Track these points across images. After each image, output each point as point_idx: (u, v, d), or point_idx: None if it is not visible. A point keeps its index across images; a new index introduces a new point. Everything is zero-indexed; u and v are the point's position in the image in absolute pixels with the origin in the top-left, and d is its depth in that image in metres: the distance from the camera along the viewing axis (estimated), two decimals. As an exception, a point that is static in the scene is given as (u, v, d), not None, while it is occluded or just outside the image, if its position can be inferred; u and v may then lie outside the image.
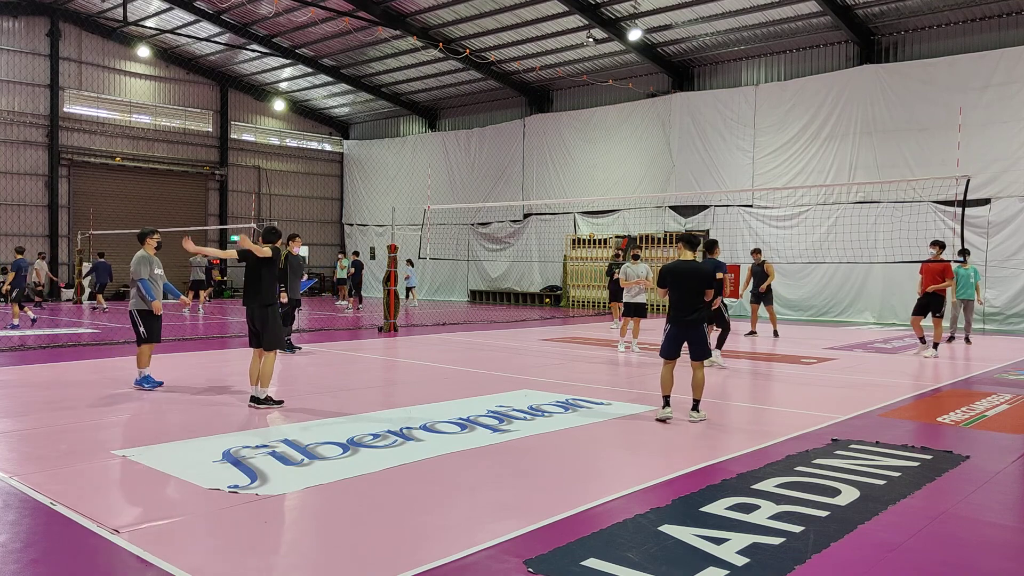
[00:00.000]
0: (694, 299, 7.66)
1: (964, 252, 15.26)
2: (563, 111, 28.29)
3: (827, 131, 21.87)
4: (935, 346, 13.48)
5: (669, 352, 7.77)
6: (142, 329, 9.43)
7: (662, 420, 7.63)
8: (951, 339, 16.30)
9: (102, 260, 23.10)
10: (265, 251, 8.09)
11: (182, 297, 9.91)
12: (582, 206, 27.59)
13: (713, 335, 12.11)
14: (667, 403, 7.73)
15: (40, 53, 27.28)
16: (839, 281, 21.56)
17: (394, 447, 6.50)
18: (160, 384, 9.41)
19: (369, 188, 34.95)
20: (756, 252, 17.23)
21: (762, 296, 16.91)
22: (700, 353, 7.71)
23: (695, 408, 7.74)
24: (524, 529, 4.54)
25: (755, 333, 17.02)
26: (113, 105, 29.36)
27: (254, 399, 8.25)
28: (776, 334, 16.75)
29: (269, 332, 8.22)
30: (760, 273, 16.86)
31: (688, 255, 7.86)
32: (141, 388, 9.24)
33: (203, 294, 22.66)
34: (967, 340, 15.98)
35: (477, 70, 27.72)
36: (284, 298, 11.71)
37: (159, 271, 9.67)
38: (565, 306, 27.13)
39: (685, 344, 7.78)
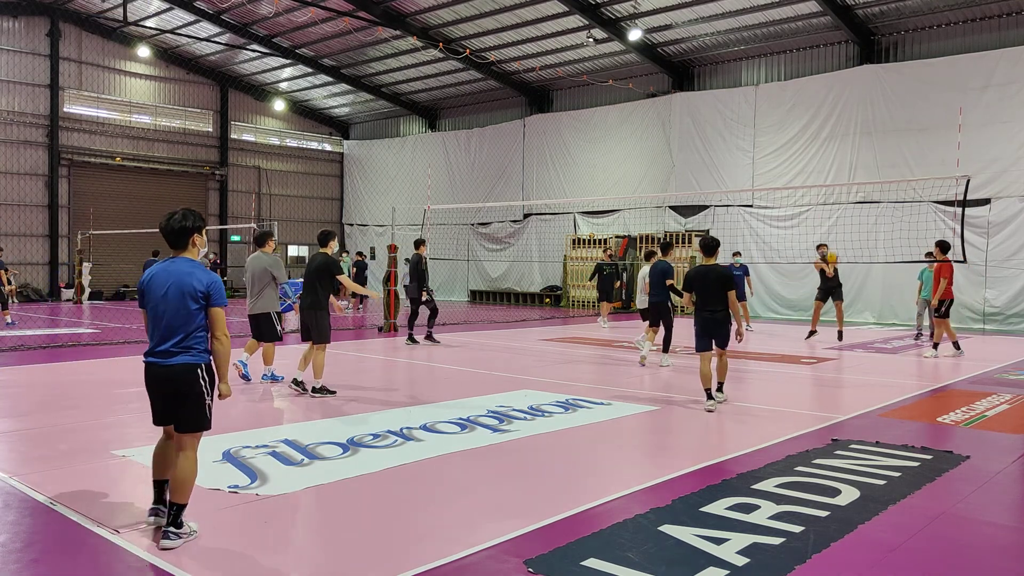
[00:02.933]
0: (716, 299, 8.42)
1: (930, 255, 15.54)
2: (563, 111, 28.29)
3: (827, 131, 21.87)
4: (935, 346, 13.49)
5: (701, 346, 8.58)
6: (280, 327, 10.02)
7: (709, 411, 8.31)
8: (918, 336, 16.59)
9: (155, 259, 21.91)
10: (349, 283, 9.32)
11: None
12: (582, 206, 27.59)
13: (657, 336, 12.43)
14: (709, 396, 8.48)
15: (40, 53, 27.28)
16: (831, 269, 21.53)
17: (394, 447, 6.50)
18: (282, 379, 10.04)
19: (369, 188, 34.95)
20: (822, 247, 16.45)
21: (833, 292, 16.03)
22: (723, 342, 8.55)
23: (719, 389, 8.60)
24: (524, 529, 4.54)
25: (815, 333, 16.25)
26: (113, 105, 29.36)
27: (297, 382, 9.04)
28: (840, 336, 16.00)
29: (316, 328, 8.95)
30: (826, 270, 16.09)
31: (710, 260, 8.62)
32: (274, 381, 9.93)
33: None
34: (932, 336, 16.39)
35: (477, 70, 27.72)
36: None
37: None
38: (565, 306, 27.12)
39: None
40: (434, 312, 14.95)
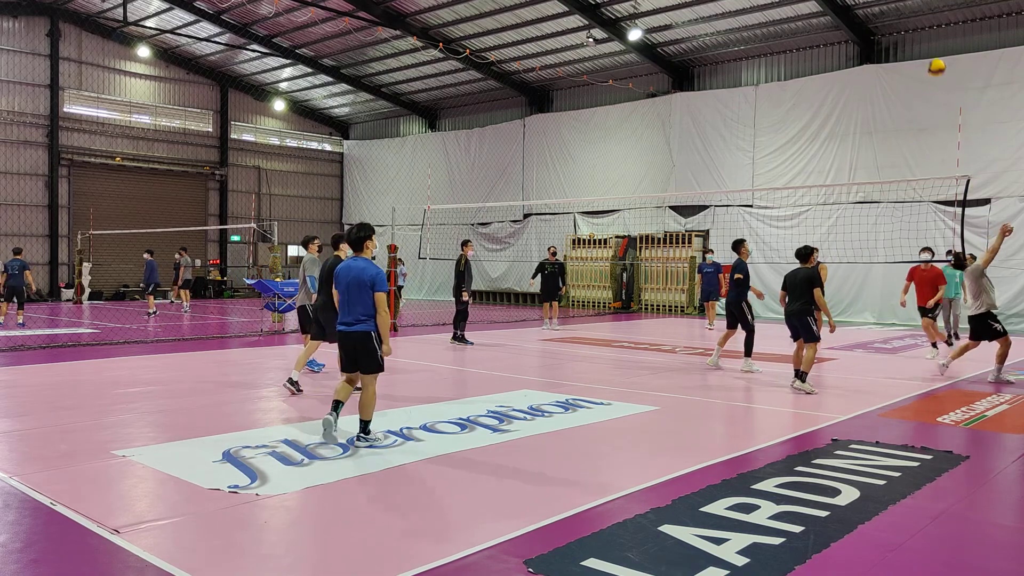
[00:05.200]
0: (798, 297, 9.84)
1: (954, 254, 15.50)
2: (563, 111, 28.28)
3: (827, 131, 21.87)
4: (934, 345, 13.53)
5: (791, 335, 10.04)
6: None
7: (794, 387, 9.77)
8: (950, 337, 16.58)
9: (151, 259, 21.72)
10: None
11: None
12: (582, 206, 27.59)
13: (736, 338, 11.92)
14: (796, 374, 9.82)
15: (40, 53, 27.27)
16: (839, 281, 21.55)
17: (394, 447, 6.50)
18: (323, 367, 10.90)
19: (369, 188, 34.94)
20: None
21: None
22: (807, 337, 9.76)
23: (801, 378, 9.63)
24: (524, 529, 4.54)
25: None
26: (113, 105, 29.35)
27: (292, 381, 9.28)
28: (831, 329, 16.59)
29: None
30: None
31: (807, 264, 9.99)
32: (310, 370, 10.67)
33: (185, 293, 22.90)
34: (955, 336, 16.32)
35: (477, 70, 27.72)
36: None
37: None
38: (565, 306, 27.08)
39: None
40: (459, 315, 14.78)
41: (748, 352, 11.46)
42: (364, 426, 6.52)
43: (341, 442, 6.59)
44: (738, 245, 11.89)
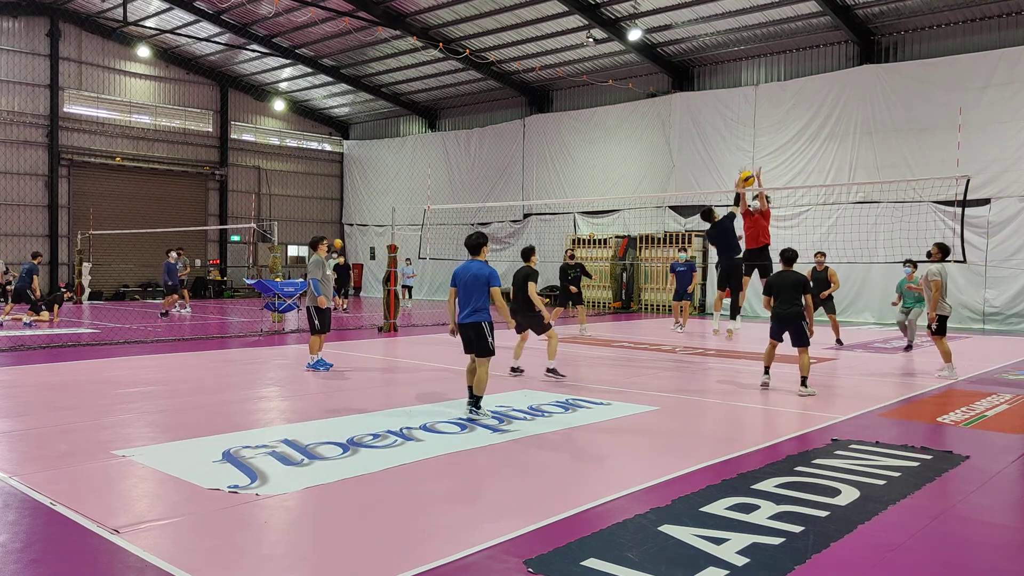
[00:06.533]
0: (792, 301, 9.55)
1: (909, 262, 14.55)
2: (563, 111, 28.28)
3: (827, 131, 21.87)
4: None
5: (774, 335, 9.80)
6: (316, 322, 10.71)
7: (764, 385, 9.71)
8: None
9: (170, 259, 21.34)
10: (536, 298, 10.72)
11: (336, 297, 10.85)
12: (582, 206, 27.59)
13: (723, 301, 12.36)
14: (767, 371, 9.88)
15: (40, 53, 27.27)
16: (839, 281, 21.52)
17: (394, 447, 6.50)
18: (331, 366, 10.86)
19: (369, 188, 34.95)
20: (820, 255, 15.63)
21: (823, 303, 15.22)
22: (800, 341, 9.52)
23: (803, 384, 9.39)
24: (524, 529, 4.54)
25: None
26: (113, 105, 29.34)
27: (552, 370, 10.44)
28: (840, 342, 15.45)
29: (533, 324, 10.73)
30: (823, 280, 15.27)
31: (788, 268, 9.78)
32: (314, 371, 10.68)
33: (184, 293, 22.98)
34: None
35: (477, 70, 27.72)
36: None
37: (329, 272, 11.07)
38: (562, 307, 27.07)
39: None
40: None
41: (734, 314, 12.29)
42: (476, 400, 7.74)
43: (341, 442, 6.60)
44: (731, 218, 12.87)
